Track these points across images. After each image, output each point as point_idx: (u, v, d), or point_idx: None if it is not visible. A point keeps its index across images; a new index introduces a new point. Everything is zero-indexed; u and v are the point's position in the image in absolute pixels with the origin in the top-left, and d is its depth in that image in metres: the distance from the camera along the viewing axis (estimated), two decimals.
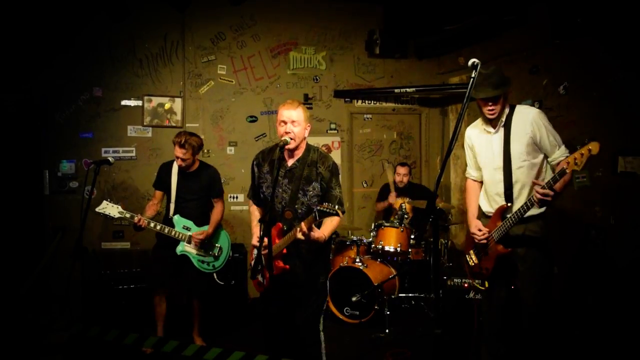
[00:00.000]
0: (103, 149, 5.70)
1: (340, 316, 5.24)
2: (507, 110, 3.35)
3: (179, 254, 4.41)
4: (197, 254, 4.48)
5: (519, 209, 3.22)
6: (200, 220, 4.54)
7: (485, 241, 3.44)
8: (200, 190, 4.55)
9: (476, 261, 3.57)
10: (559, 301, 4.71)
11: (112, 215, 4.19)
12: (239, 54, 6.17)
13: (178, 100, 5.94)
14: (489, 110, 3.28)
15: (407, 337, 4.88)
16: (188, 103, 6.01)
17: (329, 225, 3.26)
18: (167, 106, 5.90)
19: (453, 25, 5.83)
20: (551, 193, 3.01)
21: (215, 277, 4.62)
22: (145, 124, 5.83)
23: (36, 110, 5.40)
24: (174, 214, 4.47)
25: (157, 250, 4.57)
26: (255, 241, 3.33)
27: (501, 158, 3.35)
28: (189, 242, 4.44)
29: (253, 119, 6.27)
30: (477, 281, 3.73)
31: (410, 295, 5.56)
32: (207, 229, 4.51)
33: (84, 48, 5.58)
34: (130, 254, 5.67)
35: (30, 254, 5.22)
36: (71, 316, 4.89)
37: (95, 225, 5.58)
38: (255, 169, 3.51)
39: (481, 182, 3.65)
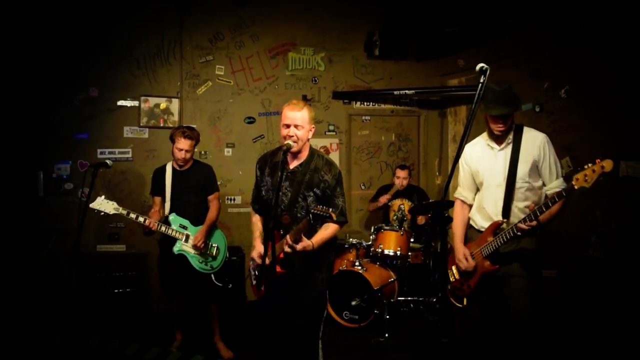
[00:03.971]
0: (99, 150, 5.62)
1: (339, 320, 5.20)
2: (513, 127, 3.32)
3: (176, 253, 4.32)
4: (194, 253, 4.40)
5: (513, 227, 3.16)
6: (197, 220, 4.46)
7: (470, 269, 3.38)
8: (196, 188, 4.48)
9: (458, 277, 3.51)
10: (559, 305, 4.69)
11: (107, 211, 4.09)
12: (237, 54, 6.11)
13: (175, 101, 5.87)
14: (499, 127, 3.24)
15: (407, 341, 4.85)
16: (185, 104, 5.94)
17: (322, 233, 3.20)
18: (162, 106, 5.82)
19: (453, 27, 5.80)
20: (534, 224, 3.01)
21: (213, 278, 4.50)
22: (141, 124, 5.76)
23: (30, 111, 5.31)
24: (169, 213, 4.40)
25: (163, 260, 4.51)
26: (255, 256, 3.31)
27: (505, 175, 3.30)
28: (186, 241, 4.36)
29: (251, 120, 6.21)
30: (453, 299, 3.57)
31: (409, 299, 5.52)
32: (202, 228, 4.45)
33: (79, 47, 5.49)
34: (125, 257, 5.59)
35: (24, 256, 5.14)
36: (67, 320, 4.81)
37: (91, 227, 5.49)
38: (258, 172, 3.46)
39: (470, 205, 3.60)
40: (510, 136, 3.30)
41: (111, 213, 4.10)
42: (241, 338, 4.92)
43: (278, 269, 3.12)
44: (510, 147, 3.30)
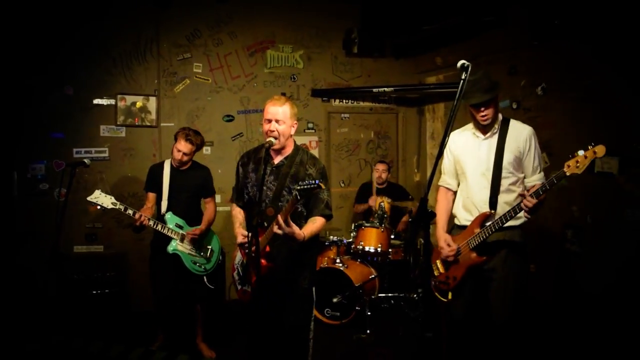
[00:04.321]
0: (74, 150, 5.50)
1: (321, 317, 5.20)
2: (500, 118, 3.34)
3: (170, 252, 4.24)
4: (189, 254, 4.33)
5: (502, 216, 3.18)
6: (192, 220, 4.41)
7: (452, 258, 3.38)
8: (194, 188, 4.45)
9: (442, 270, 3.48)
10: (539, 301, 4.77)
11: (104, 205, 3.97)
12: (215, 51, 6.05)
13: (153, 99, 5.79)
14: (482, 116, 3.25)
15: (389, 337, 4.88)
16: (163, 102, 5.87)
17: (310, 226, 3.16)
18: (138, 104, 5.74)
19: (431, 25, 5.83)
20: (535, 201, 3.00)
21: (206, 280, 4.45)
22: (118, 123, 5.66)
23: (4, 110, 5.18)
24: (166, 211, 4.33)
25: (155, 262, 4.43)
26: (240, 239, 3.24)
27: (490, 164, 3.31)
28: (182, 241, 4.30)
29: (230, 119, 6.17)
30: (438, 294, 3.55)
31: (389, 295, 5.55)
32: (200, 227, 4.40)
33: (54, 45, 5.36)
34: (104, 257, 5.48)
35: None
36: (47, 323, 4.72)
37: (67, 228, 5.37)
38: (240, 169, 3.42)
39: (455, 192, 3.61)
40: (497, 126, 3.32)
41: (108, 207, 3.98)
42: (222, 338, 4.89)
43: (264, 262, 3.08)
44: (496, 137, 3.31)
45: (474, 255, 3.31)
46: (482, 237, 3.27)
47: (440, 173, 3.72)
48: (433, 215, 2.63)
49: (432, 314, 3.79)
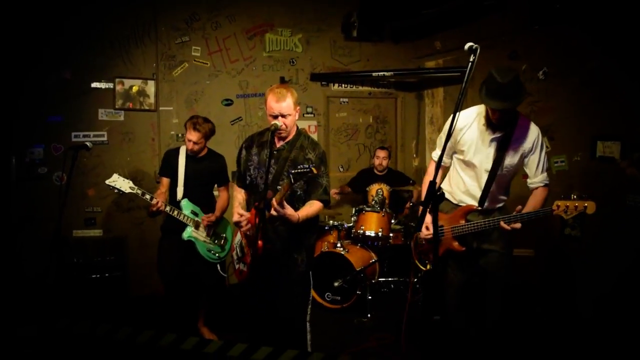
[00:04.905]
0: (73, 134, 5.44)
1: (322, 302, 5.22)
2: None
3: (185, 239, 4.21)
4: (203, 241, 4.31)
5: (486, 223, 3.27)
6: (206, 208, 4.38)
7: (424, 242, 3.53)
8: (210, 175, 4.43)
9: (425, 243, 3.61)
10: (537, 288, 4.81)
11: (122, 189, 3.91)
12: (214, 35, 5.99)
13: (151, 83, 5.73)
14: (496, 118, 3.20)
15: (389, 321, 4.90)
16: (162, 85, 5.81)
17: (307, 209, 3.18)
18: (134, 89, 5.69)
19: (431, 9, 5.80)
20: (518, 227, 3.13)
21: (219, 268, 4.43)
22: (117, 107, 5.60)
23: (1, 94, 5.11)
24: (182, 198, 4.29)
25: (164, 243, 4.40)
26: (236, 217, 3.24)
27: (491, 163, 3.31)
28: (197, 228, 4.27)
29: (229, 103, 6.13)
30: (418, 262, 3.71)
31: (389, 279, 5.58)
32: (215, 213, 4.39)
33: (51, 28, 5.26)
34: (103, 242, 5.46)
35: None
36: (43, 308, 4.71)
37: (66, 212, 5.34)
38: (244, 152, 3.44)
39: (446, 169, 3.65)
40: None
41: (127, 191, 3.93)
42: (223, 322, 4.89)
43: (260, 243, 3.07)
44: (502, 135, 3.26)
45: (455, 243, 3.41)
46: (466, 231, 3.35)
47: (423, 155, 3.79)
48: (442, 197, 2.63)
49: (439, 297, 3.81)
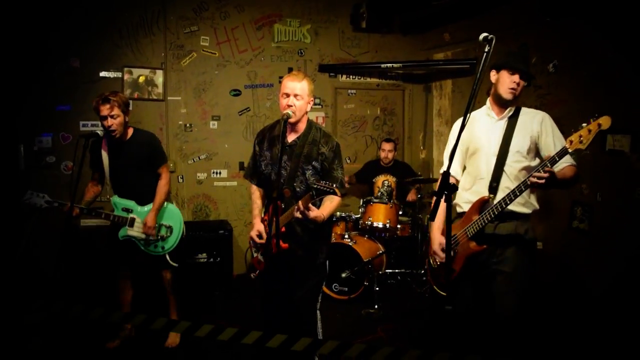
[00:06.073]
0: (81, 123, 5.47)
1: (329, 292, 5.23)
2: (514, 105, 3.16)
3: (121, 239, 3.94)
4: (141, 238, 3.99)
5: (503, 199, 2.93)
6: (143, 198, 4.02)
7: (442, 260, 3.15)
8: (139, 161, 3.96)
9: (439, 263, 3.27)
10: (547, 283, 4.80)
11: (38, 204, 3.78)
12: (223, 25, 5.98)
13: (159, 72, 5.74)
14: (514, 85, 3.03)
15: (397, 312, 4.92)
16: (170, 75, 5.81)
17: (329, 205, 3.17)
18: (141, 79, 5.69)
19: (440, 0, 5.77)
20: (546, 176, 2.71)
21: (168, 258, 4.10)
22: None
23: (10, 82, 5.12)
24: (113, 194, 4.02)
25: (109, 232, 4.12)
26: (254, 234, 3.27)
27: (498, 146, 3.12)
28: (131, 225, 3.95)
29: (237, 93, 6.12)
30: (437, 287, 3.35)
31: (397, 271, 5.59)
32: (151, 207, 4.00)
33: (60, 16, 5.28)
34: None
35: (4, 231, 5.01)
36: (51, 296, 4.73)
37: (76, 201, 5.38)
38: (257, 147, 3.42)
39: (456, 182, 3.36)
40: (512, 109, 3.14)
41: (43, 206, 3.79)
42: (228, 311, 4.92)
43: (280, 243, 3.07)
44: (507, 119, 3.15)
45: (472, 244, 3.05)
46: (481, 223, 3.01)
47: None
48: (455, 188, 2.61)
49: (453, 287, 3.75)
